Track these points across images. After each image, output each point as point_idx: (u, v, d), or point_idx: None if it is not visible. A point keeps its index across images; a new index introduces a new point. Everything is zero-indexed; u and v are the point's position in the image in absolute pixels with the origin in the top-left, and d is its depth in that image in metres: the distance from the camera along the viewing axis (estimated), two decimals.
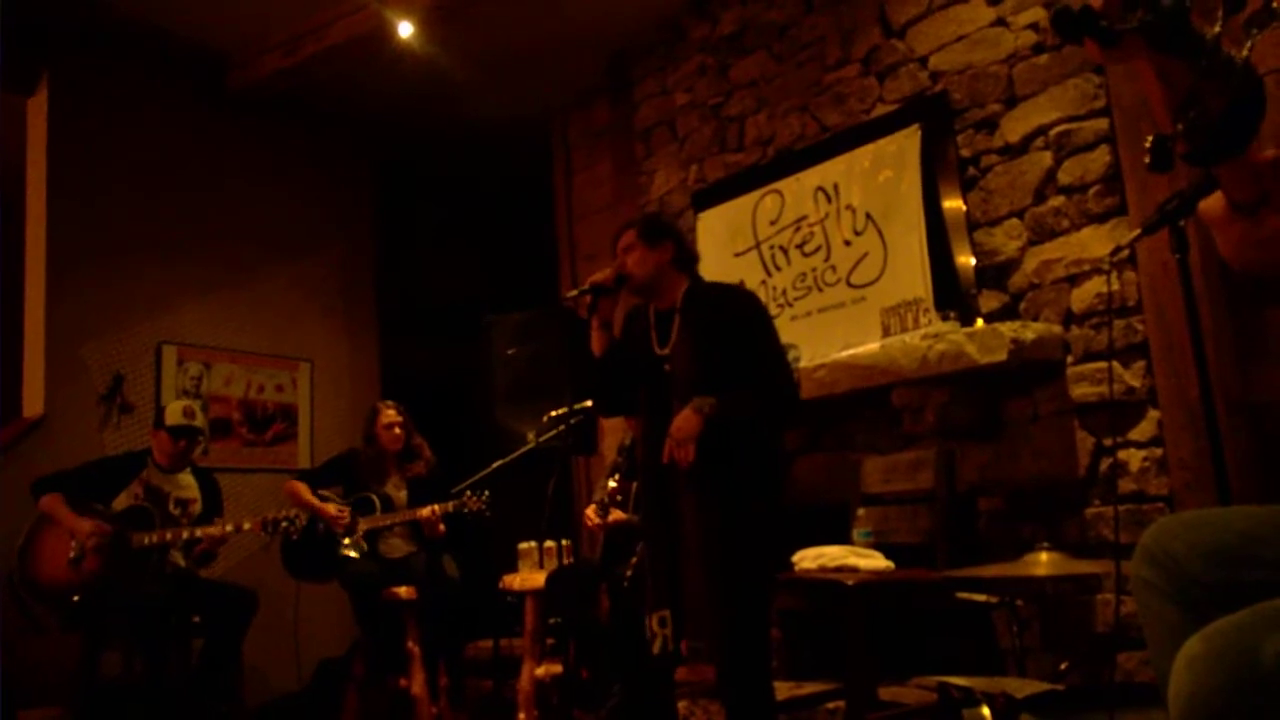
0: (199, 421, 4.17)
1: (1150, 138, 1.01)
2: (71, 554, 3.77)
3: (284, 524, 3.94)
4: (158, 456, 4.10)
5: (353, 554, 4.17)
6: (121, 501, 3.96)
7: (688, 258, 2.86)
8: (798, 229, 4.17)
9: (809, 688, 3.37)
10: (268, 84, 5.16)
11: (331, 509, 4.19)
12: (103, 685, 3.89)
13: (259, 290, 5.48)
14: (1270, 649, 0.94)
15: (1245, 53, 0.94)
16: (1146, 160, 1.02)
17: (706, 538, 2.57)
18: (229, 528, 3.94)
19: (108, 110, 4.94)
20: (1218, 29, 0.94)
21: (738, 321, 2.72)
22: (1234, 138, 0.97)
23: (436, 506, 4.16)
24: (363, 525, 4.22)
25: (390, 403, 4.51)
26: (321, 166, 5.88)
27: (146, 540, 3.87)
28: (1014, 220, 3.55)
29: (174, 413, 4.10)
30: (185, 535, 3.93)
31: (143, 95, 5.09)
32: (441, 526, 4.21)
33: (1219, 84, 0.93)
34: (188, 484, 4.15)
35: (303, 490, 4.26)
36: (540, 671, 3.82)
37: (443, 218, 6.46)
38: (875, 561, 2.96)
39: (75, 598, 3.74)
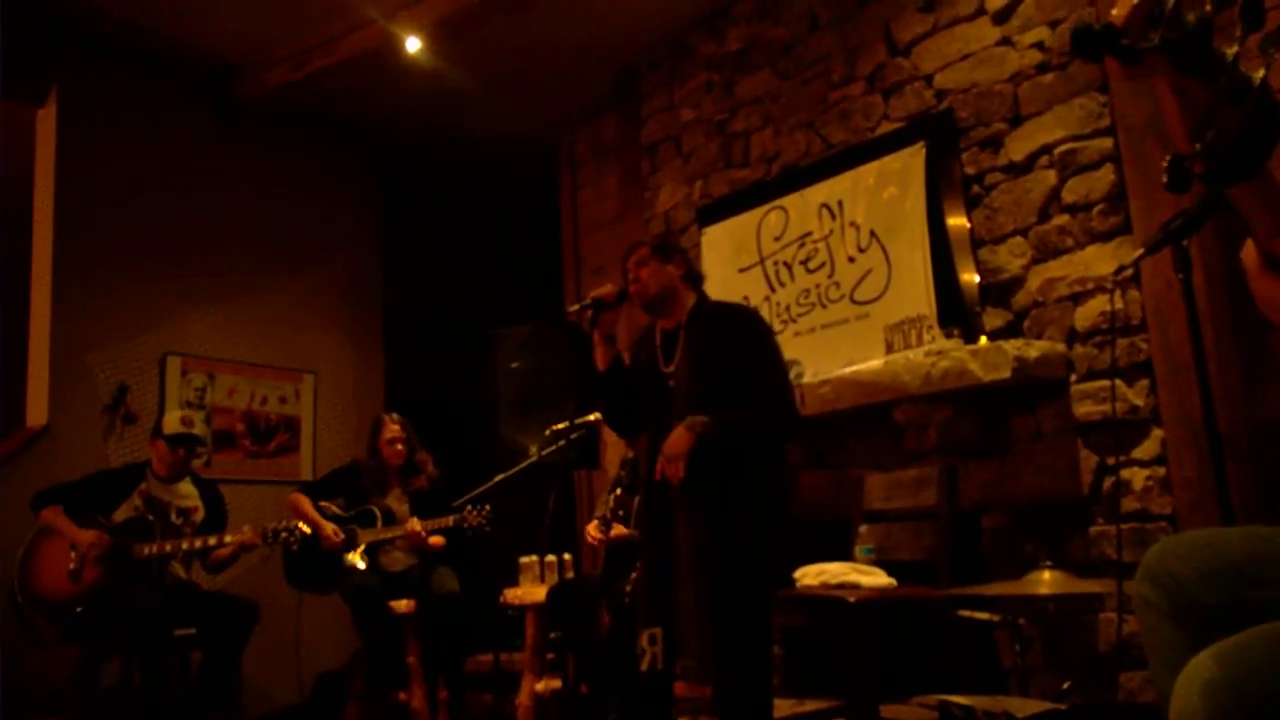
0: (197, 430, 4.17)
1: (1168, 158, 1.01)
2: (71, 565, 3.77)
3: (284, 534, 3.94)
4: (157, 467, 4.10)
5: (360, 565, 4.14)
6: (122, 513, 3.95)
7: (696, 276, 2.94)
8: (802, 245, 4.18)
9: (810, 705, 3.35)
10: (275, 96, 5.19)
11: (328, 529, 4.16)
12: (102, 696, 3.88)
13: (264, 301, 5.50)
14: None
15: (1262, 73, 0.94)
16: (1164, 180, 1.01)
17: (699, 555, 2.57)
18: (227, 538, 3.94)
19: (116, 121, 4.97)
20: (1236, 49, 0.94)
21: (741, 340, 2.76)
22: (1250, 159, 0.96)
23: (417, 522, 4.14)
24: (364, 538, 4.21)
25: (394, 416, 4.50)
26: (328, 179, 5.90)
27: (147, 551, 3.87)
28: (1018, 238, 3.55)
29: (171, 422, 4.11)
30: (185, 546, 3.92)
31: (151, 106, 5.12)
32: (434, 540, 4.20)
33: (1236, 104, 0.93)
34: (188, 493, 4.15)
35: (304, 504, 4.25)
36: (540, 686, 3.81)
37: (449, 230, 6.48)
38: (877, 579, 2.95)
39: (79, 609, 3.74)
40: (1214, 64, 0.94)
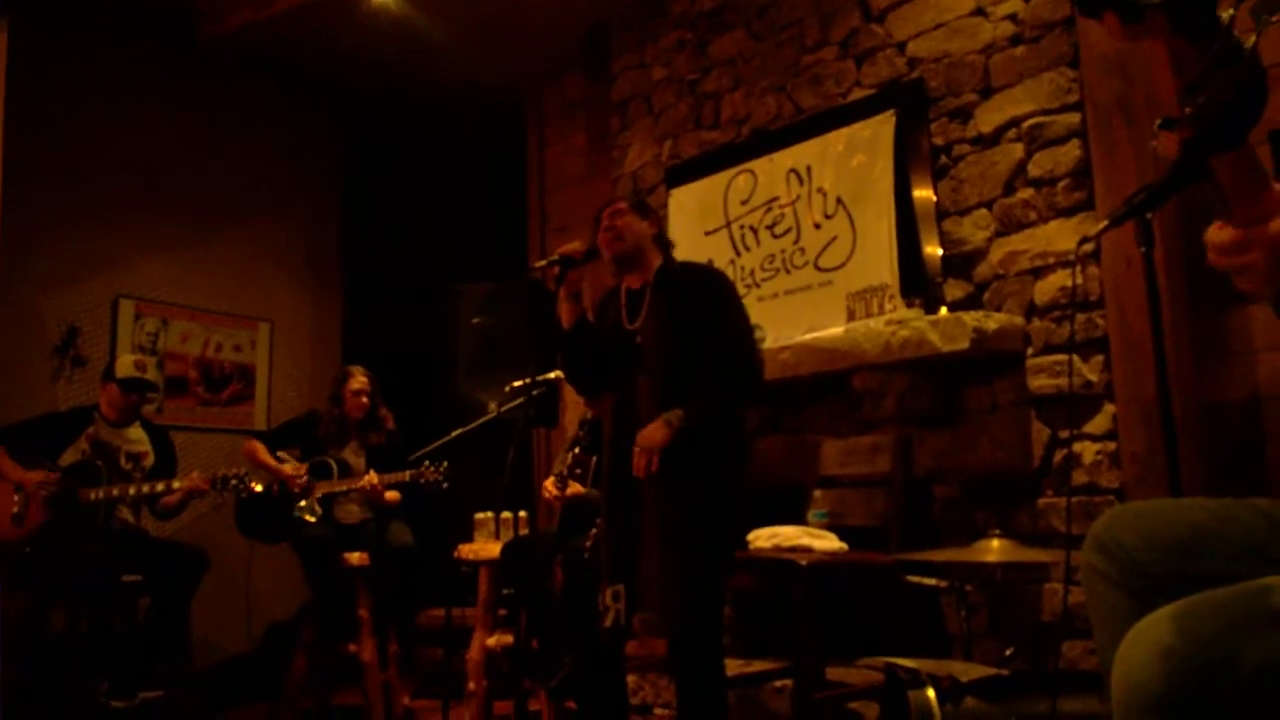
0: (151, 375, 4.10)
1: (1159, 120, 1.00)
2: (15, 509, 3.70)
3: (234, 481, 3.90)
4: (106, 411, 4.03)
5: (309, 517, 4.12)
6: (68, 457, 3.89)
7: (665, 239, 2.97)
8: (769, 210, 4.17)
9: (758, 665, 3.39)
10: (238, 38, 5.05)
11: (289, 468, 4.13)
12: (48, 641, 3.83)
13: (221, 247, 5.39)
14: (1251, 651, 0.93)
15: (1253, 40, 0.93)
16: (1154, 144, 1.01)
17: (664, 514, 2.58)
18: (176, 484, 3.89)
19: (71, 57, 4.82)
20: (1231, 13, 0.93)
21: (707, 299, 2.77)
22: (1236, 128, 0.96)
23: (375, 475, 4.12)
24: (319, 489, 4.18)
25: (360, 368, 4.45)
26: (290, 125, 5.78)
27: (94, 495, 3.81)
28: (982, 210, 3.57)
29: (125, 365, 4.04)
30: (132, 490, 3.87)
31: (108, 43, 4.97)
32: (391, 494, 4.18)
33: (1227, 71, 0.92)
34: (138, 438, 4.09)
35: (260, 450, 4.20)
36: (491, 641, 3.81)
37: (412, 182, 6.38)
38: (829, 543, 2.98)
39: (27, 550, 3.68)
40: (1211, 27, 0.93)
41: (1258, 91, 0.92)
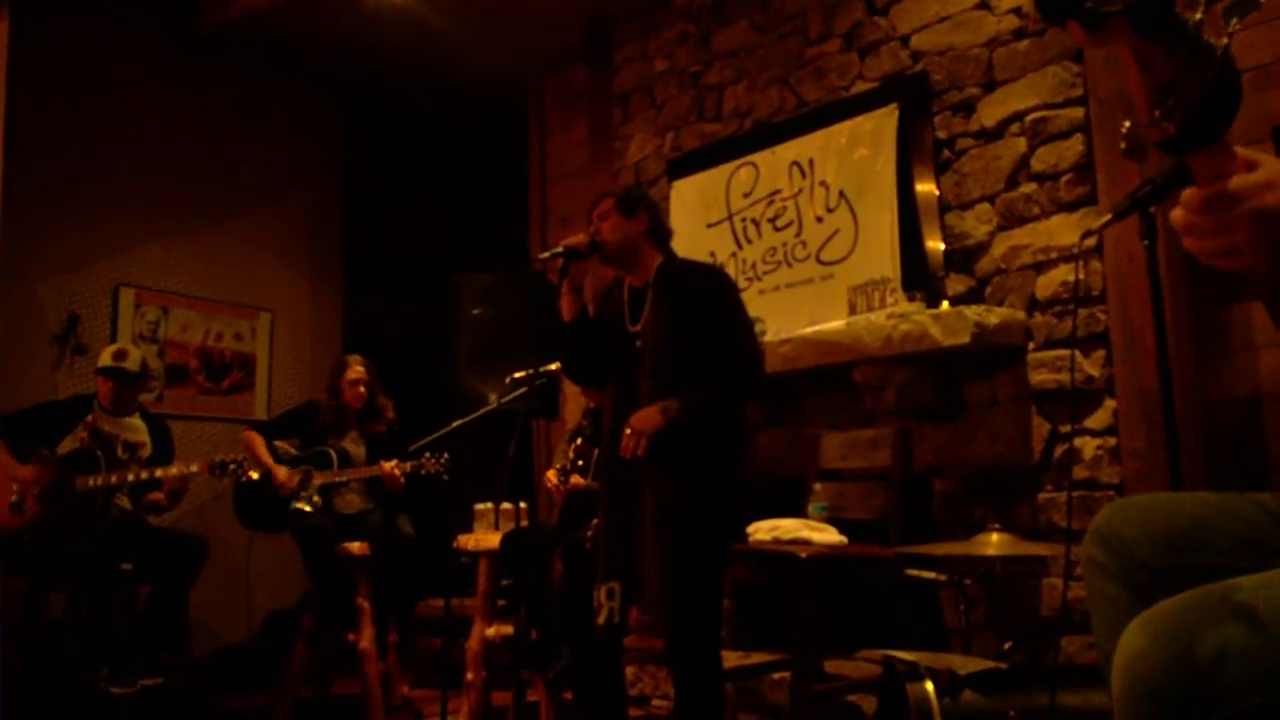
0: (129, 364, 4.07)
1: (1126, 124, 1.00)
2: (13, 497, 3.70)
3: (232, 466, 3.90)
4: (103, 400, 4.04)
5: (306, 508, 4.12)
6: (67, 445, 3.89)
7: (662, 233, 2.88)
8: (770, 203, 4.16)
9: (757, 657, 3.39)
10: (239, 26, 5.05)
11: (281, 473, 4.11)
12: (47, 628, 3.84)
13: (222, 237, 5.39)
14: (1208, 644, 0.94)
15: (1224, 41, 0.92)
16: (1122, 146, 1.01)
17: (662, 509, 2.57)
18: (173, 471, 3.89)
19: (72, 44, 4.81)
20: (1199, 15, 0.93)
21: (708, 299, 2.74)
22: (1209, 127, 0.96)
23: (393, 463, 4.12)
24: (318, 479, 4.17)
25: (358, 358, 4.44)
26: (291, 114, 5.77)
27: (91, 483, 3.81)
28: (985, 205, 3.56)
29: (105, 355, 4.07)
30: (130, 477, 3.87)
31: (109, 32, 4.96)
32: (402, 480, 4.18)
33: (1197, 72, 0.92)
34: (136, 428, 4.09)
35: (258, 444, 4.19)
36: (490, 632, 3.81)
37: (413, 172, 6.38)
38: (828, 536, 2.98)
39: (27, 538, 3.68)
40: (1176, 30, 0.92)
41: (1230, 92, 0.92)
